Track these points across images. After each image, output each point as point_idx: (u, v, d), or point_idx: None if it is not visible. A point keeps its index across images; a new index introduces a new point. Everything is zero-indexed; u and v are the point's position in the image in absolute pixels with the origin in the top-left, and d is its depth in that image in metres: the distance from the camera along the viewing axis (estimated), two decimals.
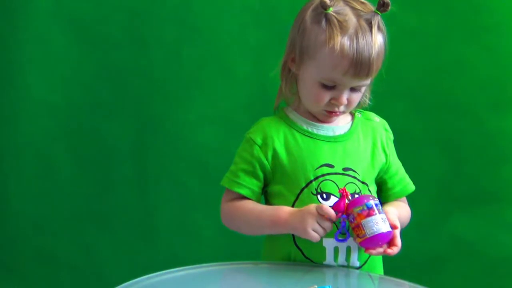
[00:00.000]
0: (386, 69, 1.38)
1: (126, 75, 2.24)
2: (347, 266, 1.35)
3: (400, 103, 2.11)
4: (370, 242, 1.27)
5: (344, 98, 1.34)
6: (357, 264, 1.36)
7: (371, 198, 1.29)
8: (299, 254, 1.36)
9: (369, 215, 1.26)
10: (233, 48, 2.20)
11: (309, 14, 1.34)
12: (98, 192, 2.28)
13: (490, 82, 2.08)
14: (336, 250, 1.34)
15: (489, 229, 2.11)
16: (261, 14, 2.17)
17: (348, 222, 1.29)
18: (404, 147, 1.54)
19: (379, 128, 1.45)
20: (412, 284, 1.30)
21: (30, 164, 2.30)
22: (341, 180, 1.35)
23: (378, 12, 1.32)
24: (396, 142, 1.49)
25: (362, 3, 1.34)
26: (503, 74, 2.07)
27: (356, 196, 1.34)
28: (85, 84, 2.26)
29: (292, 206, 1.35)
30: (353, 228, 1.28)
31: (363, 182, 1.38)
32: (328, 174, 1.36)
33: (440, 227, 2.14)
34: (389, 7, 1.32)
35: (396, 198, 1.45)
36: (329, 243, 1.34)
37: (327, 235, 1.31)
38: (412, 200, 1.50)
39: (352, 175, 1.37)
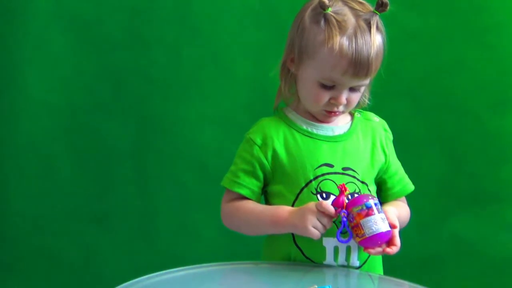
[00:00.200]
0: (386, 69, 1.38)
1: (126, 75, 2.24)
2: (347, 266, 1.36)
3: (400, 103, 2.11)
4: (369, 241, 1.27)
5: (343, 98, 1.35)
6: (357, 263, 1.37)
7: (370, 197, 1.29)
8: (299, 254, 1.36)
9: (368, 214, 1.26)
10: (233, 48, 2.20)
11: (308, 14, 1.35)
12: (98, 192, 2.28)
13: (490, 82, 2.08)
14: (336, 249, 1.34)
15: (489, 229, 2.11)
16: (261, 14, 2.17)
17: (349, 224, 1.29)
18: (404, 147, 1.54)
19: (379, 128, 1.45)
20: (412, 284, 1.30)
21: (30, 164, 2.30)
22: (341, 180, 1.35)
23: (377, 12, 1.33)
24: (396, 142, 1.49)
25: (361, 3, 1.34)
26: (503, 74, 2.07)
27: (356, 195, 1.34)
28: (85, 84, 2.26)
29: (292, 205, 1.35)
30: (352, 228, 1.28)
31: (362, 182, 1.38)
32: (328, 173, 1.36)
33: (440, 227, 2.14)
34: (388, 7, 1.32)
35: (396, 198, 1.45)
36: (329, 243, 1.34)
37: (327, 234, 1.32)
38: (412, 200, 1.50)
39: (352, 174, 1.37)
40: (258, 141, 1.39)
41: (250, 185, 1.38)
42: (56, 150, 2.28)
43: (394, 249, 1.30)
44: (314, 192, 1.35)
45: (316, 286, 1.18)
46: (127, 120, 2.25)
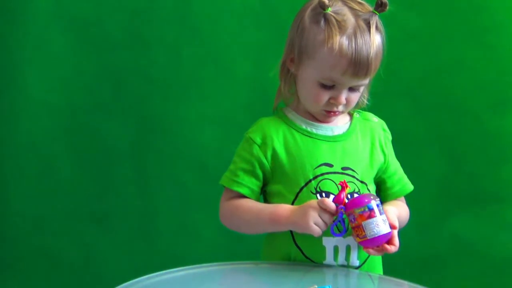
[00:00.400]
0: (386, 69, 1.38)
1: (126, 75, 2.24)
2: (347, 265, 1.36)
3: (399, 103, 2.11)
4: (370, 242, 1.28)
5: (343, 97, 1.35)
6: (357, 263, 1.37)
7: (372, 198, 1.29)
8: (299, 253, 1.36)
9: (370, 216, 1.26)
10: (233, 48, 2.20)
11: (308, 14, 1.35)
12: (98, 192, 2.28)
13: (490, 82, 2.08)
14: (336, 249, 1.34)
15: (489, 229, 2.11)
16: (261, 14, 2.17)
17: (346, 215, 1.29)
18: (404, 147, 1.54)
19: (378, 128, 1.46)
20: (411, 284, 1.30)
21: (30, 164, 2.30)
22: (340, 179, 1.34)
23: (376, 12, 1.33)
24: (396, 142, 1.49)
25: (360, 3, 1.34)
26: (503, 74, 2.07)
27: (355, 195, 1.34)
28: (85, 84, 2.26)
29: (292, 205, 1.35)
30: (353, 228, 1.28)
31: (362, 182, 1.38)
32: (327, 173, 1.36)
33: (440, 227, 2.14)
34: (387, 7, 1.32)
35: (395, 197, 1.46)
36: (329, 242, 1.34)
37: (327, 234, 1.32)
38: (412, 199, 1.50)
39: (351, 174, 1.37)
40: (258, 140, 1.39)
41: (249, 184, 1.38)
42: (56, 150, 2.28)
43: (393, 248, 1.31)
44: (314, 191, 1.35)
45: (316, 286, 1.18)
46: (127, 120, 2.25)
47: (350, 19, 1.32)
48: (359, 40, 1.30)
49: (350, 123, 1.44)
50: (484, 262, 2.11)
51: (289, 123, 1.41)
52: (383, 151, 1.44)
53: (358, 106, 1.44)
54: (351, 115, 1.46)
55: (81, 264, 2.30)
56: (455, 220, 2.13)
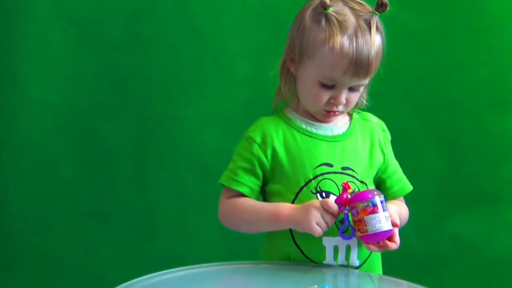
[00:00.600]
0: (386, 69, 1.38)
1: (126, 75, 2.24)
2: (347, 265, 1.36)
3: (399, 103, 2.11)
4: (370, 238, 1.28)
5: (343, 97, 1.35)
6: (357, 263, 1.37)
7: (376, 194, 1.28)
8: (299, 253, 1.36)
9: (373, 212, 1.26)
10: (233, 48, 2.20)
11: (308, 14, 1.35)
12: (98, 192, 2.28)
13: (490, 82, 2.08)
14: (336, 249, 1.35)
15: (489, 229, 2.11)
16: (261, 14, 2.17)
17: (350, 215, 1.29)
18: (404, 147, 1.54)
19: (377, 129, 1.46)
20: (411, 284, 1.30)
21: (30, 164, 2.30)
22: (340, 179, 1.35)
23: (377, 12, 1.33)
24: (396, 142, 1.49)
25: (360, 3, 1.35)
26: (503, 74, 2.08)
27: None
28: (85, 84, 2.26)
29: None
30: (354, 222, 1.29)
31: (362, 182, 1.38)
32: (327, 173, 1.36)
33: (440, 227, 2.14)
34: (388, 8, 1.33)
35: (394, 197, 1.46)
36: (329, 242, 1.34)
37: (327, 233, 1.32)
38: (412, 199, 1.50)
39: (351, 174, 1.37)
40: (258, 139, 1.39)
41: (249, 183, 1.38)
42: (56, 150, 2.28)
43: (393, 245, 1.31)
44: (314, 191, 1.35)
45: (316, 286, 1.18)
46: (127, 120, 2.25)
47: (351, 19, 1.32)
48: (360, 40, 1.30)
49: (350, 123, 1.44)
50: (484, 262, 2.11)
51: (289, 123, 1.41)
52: (382, 151, 1.44)
53: (357, 106, 1.44)
54: (350, 115, 1.46)
55: (81, 264, 2.30)
56: (455, 220, 2.13)
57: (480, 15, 2.06)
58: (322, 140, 1.39)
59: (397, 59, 1.91)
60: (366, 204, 1.27)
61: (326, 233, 1.32)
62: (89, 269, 2.30)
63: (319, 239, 1.33)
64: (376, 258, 1.43)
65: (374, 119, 1.48)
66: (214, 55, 2.21)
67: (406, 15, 2.04)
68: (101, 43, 2.23)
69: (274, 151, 1.38)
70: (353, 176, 1.37)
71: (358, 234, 1.29)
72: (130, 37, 2.22)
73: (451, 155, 2.12)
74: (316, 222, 1.29)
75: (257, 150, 1.38)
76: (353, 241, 1.35)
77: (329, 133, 1.41)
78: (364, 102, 1.45)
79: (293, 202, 1.36)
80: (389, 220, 1.29)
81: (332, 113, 1.38)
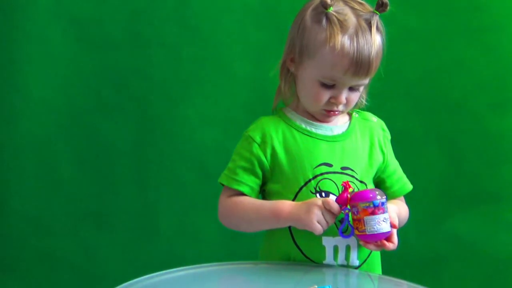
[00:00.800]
0: (386, 69, 1.38)
1: (126, 75, 2.24)
2: (347, 265, 1.36)
3: (399, 103, 2.11)
4: (367, 238, 1.28)
5: (343, 97, 1.35)
6: (357, 263, 1.37)
7: (378, 194, 1.28)
8: (299, 253, 1.36)
9: (373, 213, 1.26)
10: (233, 48, 2.20)
11: (309, 13, 1.35)
12: (98, 192, 2.28)
13: (490, 82, 2.08)
14: (335, 248, 1.35)
15: (489, 229, 2.11)
16: (261, 14, 2.17)
17: (350, 215, 1.29)
18: (404, 147, 1.54)
19: (377, 128, 1.46)
20: (411, 284, 1.30)
21: (30, 164, 2.30)
22: (340, 179, 1.35)
23: (377, 12, 1.33)
24: (396, 142, 1.49)
25: (361, 3, 1.35)
26: (503, 74, 2.08)
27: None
28: (85, 84, 2.26)
29: None
30: (354, 220, 1.29)
31: (361, 181, 1.38)
32: (327, 173, 1.36)
33: (440, 227, 2.14)
34: (388, 8, 1.33)
35: (394, 197, 1.46)
36: (329, 242, 1.34)
37: (327, 233, 1.32)
38: (411, 199, 1.50)
39: (351, 174, 1.37)
40: (258, 139, 1.39)
41: (249, 182, 1.38)
42: (56, 150, 2.28)
43: (391, 246, 1.31)
44: (313, 191, 1.35)
45: (316, 286, 1.18)
46: (127, 120, 2.25)
47: (351, 18, 1.32)
48: (361, 40, 1.30)
49: (350, 123, 1.44)
50: (484, 262, 2.11)
51: (289, 123, 1.41)
52: (382, 151, 1.44)
53: (357, 106, 1.45)
54: (350, 114, 1.46)
55: (81, 264, 2.30)
56: (455, 220, 2.13)
57: (480, 15, 2.06)
58: (322, 140, 1.39)
59: (397, 59, 1.91)
60: (367, 204, 1.27)
61: (325, 233, 1.32)
62: (89, 269, 2.30)
63: (319, 239, 1.33)
64: (376, 258, 1.43)
65: (373, 118, 1.48)
66: (214, 55, 2.21)
67: (406, 15, 2.04)
68: (101, 43, 2.23)
69: (273, 151, 1.38)
70: (353, 176, 1.37)
71: (356, 232, 1.29)
72: (130, 37, 2.22)
73: (451, 155, 2.12)
74: (317, 221, 1.29)
75: (256, 149, 1.38)
76: (353, 241, 1.35)
77: (329, 133, 1.41)
78: (364, 102, 1.46)
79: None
80: (388, 222, 1.29)
81: (332, 112, 1.38)
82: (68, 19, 2.23)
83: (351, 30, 1.31)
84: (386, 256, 1.41)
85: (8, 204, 2.32)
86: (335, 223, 1.32)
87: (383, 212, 1.27)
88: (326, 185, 1.35)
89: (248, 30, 2.18)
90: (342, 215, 1.30)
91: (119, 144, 2.26)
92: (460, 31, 2.08)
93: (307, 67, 1.36)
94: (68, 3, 2.23)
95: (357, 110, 1.47)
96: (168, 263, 1.35)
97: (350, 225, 1.30)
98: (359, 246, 1.36)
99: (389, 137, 1.47)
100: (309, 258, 1.36)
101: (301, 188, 1.36)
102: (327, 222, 1.29)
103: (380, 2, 1.33)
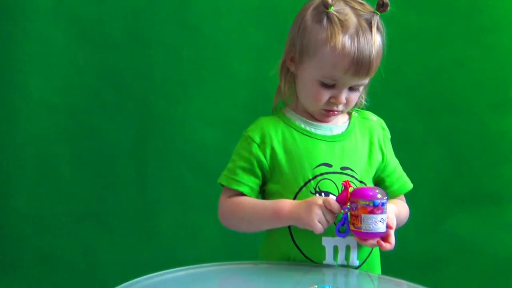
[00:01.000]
0: (386, 69, 1.38)
1: (126, 75, 2.24)
2: (347, 265, 1.36)
3: (400, 103, 2.11)
4: (361, 234, 1.28)
5: (343, 97, 1.35)
6: (357, 263, 1.37)
7: (379, 194, 1.28)
8: (299, 253, 1.36)
9: (372, 212, 1.26)
10: (233, 48, 2.20)
11: (309, 13, 1.35)
12: (98, 192, 2.28)
13: (490, 82, 2.08)
14: (335, 249, 1.35)
15: (489, 229, 2.11)
16: (261, 14, 2.17)
17: (349, 213, 1.29)
18: (404, 147, 1.54)
19: (376, 127, 1.46)
20: (411, 284, 1.30)
21: (30, 164, 2.30)
22: (340, 179, 1.35)
23: (378, 12, 1.33)
24: (396, 142, 1.49)
25: (361, 3, 1.35)
26: (503, 74, 2.08)
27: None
28: (85, 84, 2.26)
29: None
30: (351, 215, 1.29)
31: (361, 181, 1.38)
32: (327, 173, 1.36)
33: (440, 227, 2.14)
34: (388, 8, 1.33)
35: (394, 196, 1.46)
36: (328, 242, 1.34)
37: (327, 233, 1.32)
38: (412, 199, 1.50)
39: (350, 174, 1.37)
40: (257, 139, 1.39)
41: (249, 182, 1.38)
42: (56, 150, 2.29)
43: (388, 246, 1.31)
44: (313, 191, 1.35)
45: (316, 286, 1.18)
46: (127, 120, 2.25)
47: (352, 18, 1.32)
48: (361, 40, 1.30)
49: (349, 122, 1.44)
50: (484, 262, 2.11)
51: (288, 123, 1.41)
52: (381, 150, 1.44)
53: (356, 106, 1.45)
54: (349, 114, 1.46)
55: (81, 264, 2.30)
56: (455, 220, 2.13)
57: (480, 15, 2.06)
58: (321, 140, 1.39)
59: (397, 59, 1.91)
60: (367, 202, 1.26)
61: (325, 233, 1.32)
62: (89, 269, 2.30)
63: (319, 239, 1.33)
64: (376, 258, 1.43)
65: (373, 117, 1.48)
66: (214, 55, 2.21)
67: (406, 15, 2.04)
68: (101, 43, 2.24)
69: (273, 151, 1.38)
70: (352, 176, 1.37)
71: (351, 227, 1.29)
72: (130, 37, 2.22)
73: (451, 155, 2.13)
74: (318, 220, 1.29)
75: (256, 149, 1.38)
76: (353, 242, 1.35)
77: (328, 133, 1.41)
78: (363, 102, 1.46)
79: None
80: (385, 223, 1.29)
81: (331, 112, 1.38)
82: (68, 19, 2.23)
83: (351, 30, 1.31)
84: (386, 256, 1.41)
85: (8, 204, 2.32)
86: (334, 223, 1.32)
87: (382, 213, 1.27)
88: (326, 185, 1.35)
89: (248, 30, 2.18)
90: (342, 214, 1.30)
91: (119, 144, 2.26)
92: (460, 31, 2.08)
93: (307, 67, 1.36)
94: (68, 3, 2.23)
95: (357, 109, 1.46)
96: (168, 263, 1.35)
97: (348, 224, 1.30)
98: (359, 246, 1.36)
99: (389, 136, 1.47)
100: (309, 258, 1.36)
101: (300, 189, 1.36)
102: (327, 221, 1.30)
103: (381, 2, 1.33)
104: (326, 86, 1.35)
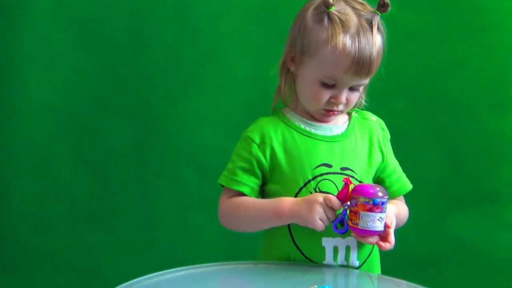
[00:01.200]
0: (386, 69, 1.38)
1: (126, 75, 2.24)
2: (347, 266, 1.36)
3: (400, 103, 2.11)
4: (358, 231, 1.28)
5: (344, 97, 1.35)
6: (357, 263, 1.37)
7: (380, 192, 1.27)
8: (299, 254, 1.36)
9: (371, 210, 1.26)
10: (233, 48, 2.20)
11: (310, 12, 1.35)
12: (98, 192, 2.28)
13: (490, 82, 2.08)
14: (335, 249, 1.35)
15: (489, 229, 2.11)
16: (261, 14, 2.17)
17: (348, 210, 1.29)
18: (403, 147, 1.54)
19: (376, 127, 1.46)
20: (411, 284, 1.30)
21: (30, 164, 2.30)
22: (340, 180, 1.35)
23: (378, 12, 1.33)
24: (396, 142, 1.49)
25: (362, 3, 1.35)
26: (503, 74, 2.07)
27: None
28: (85, 84, 2.26)
29: None
30: (350, 211, 1.29)
31: (360, 182, 1.38)
32: (326, 173, 1.36)
33: (440, 227, 2.14)
34: (389, 8, 1.33)
35: (394, 197, 1.45)
36: (328, 243, 1.34)
37: (327, 234, 1.32)
38: (412, 199, 1.50)
39: (350, 174, 1.37)
40: (257, 139, 1.39)
41: (248, 182, 1.38)
42: (56, 150, 2.29)
43: (387, 246, 1.31)
44: (313, 192, 1.35)
45: (316, 286, 1.18)
46: (127, 120, 2.25)
47: (353, 18, 1.32)
48: (362, 40, 1.30)
49: (349, 123, 1.44)
50: (484, 262, 2.11)
51: (288, 123, 1.41)
52: (381, 150, 1.44)
53: (356, 106, 1.45)
54: (349, 114, 1.46)
55: (80, 264, 2.30)
56: (455, 220, 2.13)
57: (480, 15, 2.06)
58: (321, 140, 1.39)
59: (397, 59, 1.91)
60: (367, 200, 1.26)
61: (325, 234, 1.32)
62: (89, 269, 2.30)
63: (319, 240, 1.33)
64: (376, 258, 1.43)
65: (373, 117, 1.48)
66: (214, 55, 2.21)
67: (406, 15, 2.04)
68: (101, 43, 2.24)
69: (273, 152, 1.38)
70: (352, 177, 1.37)
71: (349, 223, 1.29)
72: (130, 37, 2.22)
73: (451, 155, 2.12)
74: (319, 218, 1.29)
75: (256, 150, 1.38)
76: (353, 242, 1.35)
77: (328, 133, 1.41)
78: (363, 102, 1.46)
79: None
80: (383, 222, 1.28)
81: (331, 112, 1.38)
82: (68, 19, 2.23)
83: (352, 30, 1.31)
84: (386, 256, 1.41)
85: (8, 204, 2.32)
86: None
87: (381, 212, 1.27)
88: (326, 185, 1.35)
89: (248, 30, 2.18)
90: (341, 211, 1.30)
91: (119, 144, 2.26)
92: (460, 31, 2.08)
93: (307, 67, 1.36)
94: (68, 3, 2.23)
95: (357, 109, 1.47)
96: (168, 263, 1.35)
97: (346, 221, 1.30)
98: (359, 247, 1.36)
99: (389, 137, 1.47)
100: (309, 259, 1.36)
101: (300, 189, 1.36)
102: (328, 218, 1.30)
103: (382, 3, 1.33)
104: (327, 86, 1.35)
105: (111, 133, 2.26)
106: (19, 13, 2.23)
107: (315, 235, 1.32)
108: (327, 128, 1.41)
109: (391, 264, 1.47)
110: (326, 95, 1.35)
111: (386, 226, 1.30)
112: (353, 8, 1.33)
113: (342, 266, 1.36)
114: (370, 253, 1.39)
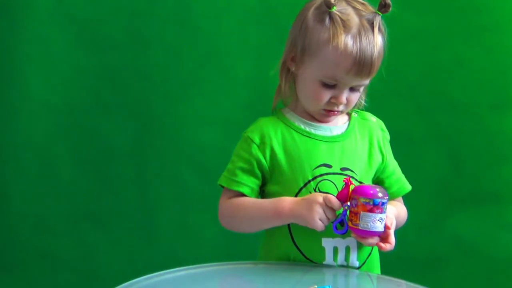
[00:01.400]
0: (386, 69, 1.38)
1: (126, 75, 2.24)
2: (347, 266, 1.36)
3: (399, 103, 2.11)
4: (358, 232, 1.28)
5: (344, 97, 1.35)
6: (357, 264, 1.37)
7: (380, 193, 1.28)
8: (299, 254, 1.36)
9: (371, 211, 1.26)
10: (233, 48, 2.20)
11: (311, 12, 1.35)
12: (98, 192, 2.28)
13: (490, 82, 2.08)
14: (335, 250, 1.34)
15: (489, 229, 2.11)
16: (261, 14, 2.17)
17: (348, 211, 1.29)
18: (403, 147, 1.54)
19: (376, 128, 1.46)
20: (410, 284, 1.30)
21: (30, 164, 2.30)
22: (339, 180, 1.35)
23: (379, 12, 1.33)
24: (396, 142, 1.49)
25: (363, 3, 1.35)
26: (503, 74, 2.07)
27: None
28: (85, 84, 2.26)
29: None
30: (350, 211, 1.29)
31: (360, 182, 1.38)
32: (326, 174, 1.36)
33: (440, 227, 2.14)
34: (390, 8, 1.33)
35: (393, 198, 1.45)
36: (328, 243, 1.34)
37: (326, 234, 1.32)
38: (411, 200, 1.50)
39: (350, 175, 1.37)
40: (257, 140, 1.39)
41: (248, 182, 1.38)
42: (55, 150, 2.29)
43: (387, 246, 1.31)
44: (313, 192, 1.35)
45: (316, 286, 1.18)
46: (127, 120, 2.25)
47: (354, 18, 1.32)
48: (364, 40, 1.30)
49: (349, 123, 1.44)
50: (484, 262, 2.11)
51: (288, 123, 1.41)
52: (381, 151, 1.44)
53: (356, 107, 1.45)
54: (349, 115, 1.46)
55: (80, 264, 2.30)
56: (455, 220, 2.13)
57: (480, 15, 2.06)
58: (321, 140, 1.39)
59: (397, 59, 1.90)
60: (367, 201, 1.27)
61: (325, 234, 1.32)
62: (88, 269, 2.30)
63: (319, 240, 1.33)
64: (375, 259, 1.43)
65: (373, 118, 1.48)
66: (214, 55, 2.21)
67: (406, 15, 2.04)
68: (101, 43, 2.24)
69: (272, 152, 1.38)
70: (352, 177, 1.37)
71: (349, 223, 1.29)
72: (130, 37, 2.23)
73: (451, 155, 2.12)
74: (319, 218, 1.29)
75: (255, 150, 1.38)
76: (353, 243, 1.35)
77: (328, 134, 1.41)
78: (363, 102, 1.46)
79: None
80: (383, 223, 1.29)
81: (332, 112, 1.38)
82: (68, 19, 2.23)
83: (354, 30, 1.31)
84: (386, 256, 1.41)
85: (8, 204, 2.32)
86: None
87: (381, 212, 1.27)
88: (326, 186, 1.35)
89: (248, 30, 2.18)
90: (342, 211, 1.30)
91: (119, 144, 2.26)
92: (460, 31, 2.08)
93: (308, 67, 1.36)
94: (68, 3, 2.23)
95: (357, 110, 1.47)
96: (168, 263, 1.35)
97: (346, 221, 1.30)
98: (358, 247, 1.36)
99: (388, 138, 1.47)
100: (308, 259, 1.36)
101: (300, 189, 1.35)
102: (328, 218, 1.30)
103: (383, 3, 1.33)
104: (327, 86, 1.35)
105: (111, 133, 2.26)
106: (19, 13, 2.23)
107: (315, 236, 1.32)
108: (327, 128, 1.41)
109: (391, 264, 1.47)
110: (326, 95, 1.35)
111: (386, 227, 1.30)
112: (354, 8, 1.33)
113: (342, 266, 1.36)
114: (370, 253, 1.39)
